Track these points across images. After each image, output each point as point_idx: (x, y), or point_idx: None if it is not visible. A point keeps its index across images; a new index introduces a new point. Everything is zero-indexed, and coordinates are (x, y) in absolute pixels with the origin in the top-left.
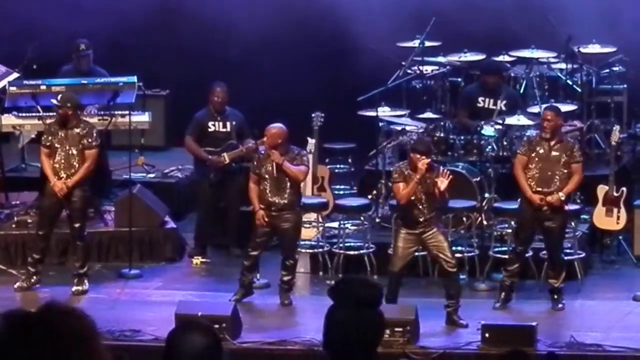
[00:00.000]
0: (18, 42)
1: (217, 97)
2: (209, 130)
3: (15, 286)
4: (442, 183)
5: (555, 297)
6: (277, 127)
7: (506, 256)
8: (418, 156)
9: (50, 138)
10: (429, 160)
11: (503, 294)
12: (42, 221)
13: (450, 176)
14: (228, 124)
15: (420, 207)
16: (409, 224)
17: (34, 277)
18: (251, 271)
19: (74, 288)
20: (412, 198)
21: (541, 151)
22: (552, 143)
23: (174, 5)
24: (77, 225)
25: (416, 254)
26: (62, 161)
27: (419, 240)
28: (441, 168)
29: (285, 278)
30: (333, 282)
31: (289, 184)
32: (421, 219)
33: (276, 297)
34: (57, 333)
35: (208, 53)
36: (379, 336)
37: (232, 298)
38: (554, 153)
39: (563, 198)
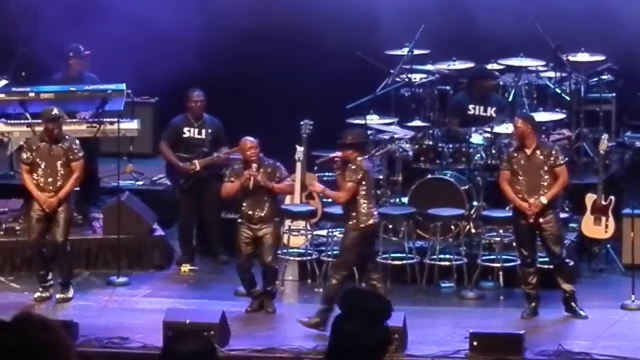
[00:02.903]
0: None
1: (195, 102)
2: (184, 136)
3: (35, 296)
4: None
5: (573, 304)
6: (251, 140)
7: (495, 264)
8: None
9: (30, 154)
10: None
11: (533, 304)
12: (34, 235)
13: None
14: (204, 131)
15: None
16: None
17: (50, 289)
18: (254, 285)
19: (59, 295)
20: None
21: (522, 161)
22: (530, 151)
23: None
24: (61, 237)
25: (404, 262)
26: (47, 176)
27: None
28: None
29: (268, 287)
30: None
31: (266, 196)
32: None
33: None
34: (28, 343)
35: (196, 62)
36: (385, 350)
37: (248, 309)
38: (534, 160)
39: (545, 202)
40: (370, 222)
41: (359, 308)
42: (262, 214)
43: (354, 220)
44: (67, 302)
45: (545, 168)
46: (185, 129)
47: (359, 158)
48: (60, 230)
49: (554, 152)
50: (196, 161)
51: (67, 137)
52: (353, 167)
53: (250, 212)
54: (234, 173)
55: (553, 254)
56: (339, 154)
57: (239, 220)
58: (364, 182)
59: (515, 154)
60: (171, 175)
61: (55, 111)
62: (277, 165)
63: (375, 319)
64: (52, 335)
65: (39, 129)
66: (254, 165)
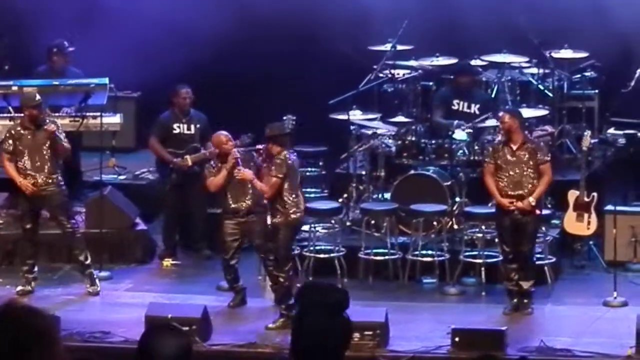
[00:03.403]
0: None
1: (184, 98)
2: (174, 132)
3: (18, 289)
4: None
5: (525, 300)
6: (225, 133)
7: (477, 260)
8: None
9: (13, 142)
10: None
11: (514, 300)
12: (25, 224)
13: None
14: (192, 126)
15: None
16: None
17: (33, 281)
18: (237, 280)
19: (91, 289)
20: None
21: (507, 156)
22: (516, 147)
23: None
24: (67, 222)
25: (387, 257)
26: (33, 161)
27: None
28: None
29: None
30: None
31: (249, 186)
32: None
33: (247, 299)
34: (17, 329)
35: (178, 56)
36: (348, 340)
37: (231, 304)
38: (520, 156)
39: (533, 203)
40: (297, 215)
41: (316, 302)
42: (250, 203)
43: (282, 216)
44: (97, 296)
45: (531, 164)
46: (175, 125)
47: (284, 152)
48: (62, 214)
49: (539, 149)
50: (188, 157)
51: (47, 120)
52: (278, 161)
53: (235, 206)
54: (215, 168)
55: (523, 250)
56: (261, 146)
57: (225, 215)
58: (288, 176)
59: (501, 149)
60: (161, 170)
61: (38, 96)
62: (252, 153)
63: (333, 311)
64: (39, 322)
65: (12, 126)
66: (234, 151)
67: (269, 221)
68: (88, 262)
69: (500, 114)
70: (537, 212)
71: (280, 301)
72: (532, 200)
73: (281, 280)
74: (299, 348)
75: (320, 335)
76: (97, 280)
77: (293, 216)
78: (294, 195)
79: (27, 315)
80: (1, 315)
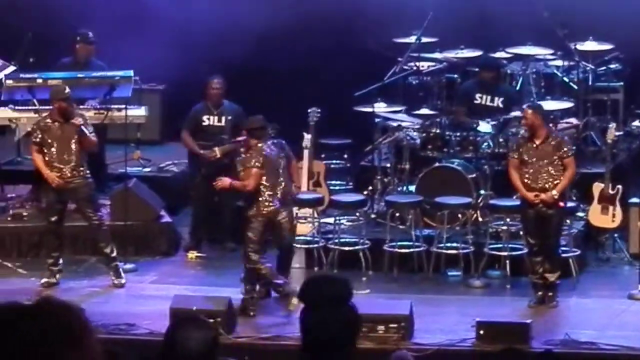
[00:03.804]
0: (15, 34)
1: (214, 88)
2: (203, 124)
3: (43, 281)
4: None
5: (550, 293)
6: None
7: (502, 253)
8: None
9: (40, 134)
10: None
11: (539, 292)
12: (50, 216)
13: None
14: (223, 118)
15: None
16: None
17: (58, 273)
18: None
19: (116, 281)
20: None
21: (531, 151)
22: (539, 141)
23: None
24: (93, 214)
25: (411, 250)
26: (60, 154)
27: None
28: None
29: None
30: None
31: (279, 179)
32: None
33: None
34: (49, 326)
35: (205, 48)
36: (356, 329)
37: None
38: (544, 150)
39: (556, 196)
40: (271, 208)
41: (319, 296)
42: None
43: (255, 209)
44: (122, 288)
45: (554, 158)
46: (205, 117)
47: (258, 144)
48: (88, 206)
49: (563, 142)
50: (216, 148)
51: (75, 113)
52: (253, 153)
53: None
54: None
55: (548, 242)
56: (241, 138)
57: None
58: (265, 169)
59: (525, 143)
60: (192, 163)
61: (67, 89)
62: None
63: (338, 302)
64: (73, 319)
65: (40, 118)
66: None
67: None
68: (114, 254)
69: (523, 109)
70: (561, 204)
71: (267, 285)
72: (555, 193)
73: (263, 272)
74: (309, 343)
75: (327, 329)
76: (122, 273)
77: (265, 210)
78: (267, 189)
79: (60, 313)
80: (35, 312)
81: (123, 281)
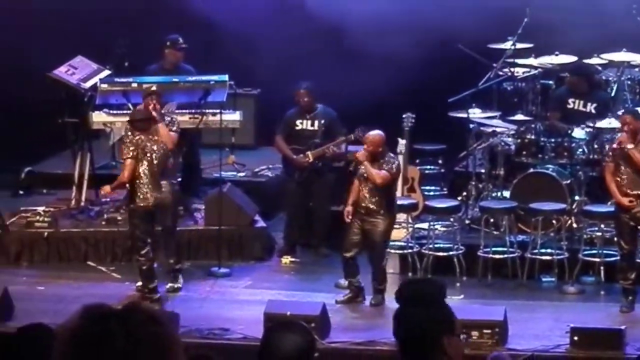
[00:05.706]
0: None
1: (301, 98)
2: (296, 128)
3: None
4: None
5: (630, 297)
6: (377, 133)
7: (596, 259)
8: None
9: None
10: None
11: (630, 297)
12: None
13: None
14: (316, 122)
15: None
16: None
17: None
18: (350, 274)
19: (169, 285)
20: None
21: (627, 156)
22: (634, 146)
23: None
24: (168, 221)
25: (505, 256)
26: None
27: None
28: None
29: (380, 287)
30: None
31: (377, 189)
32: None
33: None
34: (133, 334)
35: (300, 53)
36: (453, 327)
37: (338, 300)
38: (638, 155)
39: None
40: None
41: (414, 296)
42: (372, 207)
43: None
44: (177, 292)
45: None
46: (298, 122)
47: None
48: (167, 213)
49: None
50: (309, 152)
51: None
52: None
53: (362, 204)
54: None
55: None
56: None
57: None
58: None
59: (621, 147)
60: (287, 167)
61: (154, 87)
62: (391, 160)
63: (432, 302)
64: (159, 328)
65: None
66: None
67: None
68: (178, 266)
69: (621, 114)
70: None
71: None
72: None
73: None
74: (401, 337)
75: (418, 325)
76: (180, 278)
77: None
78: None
79: (148, 320)
80: (121, 317)
81: (176, 285)
